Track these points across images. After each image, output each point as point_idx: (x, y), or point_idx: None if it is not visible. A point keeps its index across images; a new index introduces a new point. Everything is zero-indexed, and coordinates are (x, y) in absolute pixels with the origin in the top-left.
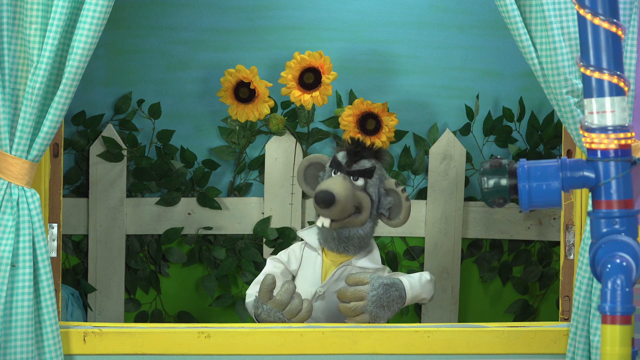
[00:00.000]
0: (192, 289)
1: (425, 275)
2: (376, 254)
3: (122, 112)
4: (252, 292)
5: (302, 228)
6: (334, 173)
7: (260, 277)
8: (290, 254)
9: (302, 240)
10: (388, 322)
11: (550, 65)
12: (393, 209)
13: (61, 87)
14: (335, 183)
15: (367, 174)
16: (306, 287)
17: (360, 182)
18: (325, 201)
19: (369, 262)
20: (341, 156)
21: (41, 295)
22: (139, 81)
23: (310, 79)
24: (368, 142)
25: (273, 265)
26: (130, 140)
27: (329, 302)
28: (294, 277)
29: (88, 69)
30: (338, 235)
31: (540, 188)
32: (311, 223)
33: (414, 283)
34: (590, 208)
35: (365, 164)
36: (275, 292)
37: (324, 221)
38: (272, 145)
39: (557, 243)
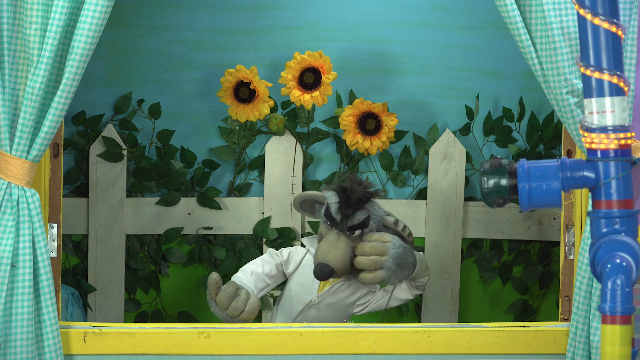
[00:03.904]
0: (192, 289)
1: (423, 257)
2: None
3: (122, 112)
4: (239, 275)
5: (302, 228)
6: (329, 226)
7: (250, 265)
8: (291, 256)
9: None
10: (382, 323)
11: (550, 65)
12: None
13: (61, 87)
14: (330, 251)
15: (363, 225)
16: (301, 293)
17: (358, 232)
18: (325, 274)
19: None
20: (334, 208)
21: (41, 295)
22: (139, 81)
23: (310, 79)
24: (355, 192)
25: (272, 257)
26: (130, 140)
27: (324, 313)
28: (286, 280)
29: (88, 69)
30: None
31: (540, 188)
32: (310, 224)
33: (421, 257)
34: (590, 208)
35: (359, 216)
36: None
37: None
38: (272, 145)
39: (557, 243)
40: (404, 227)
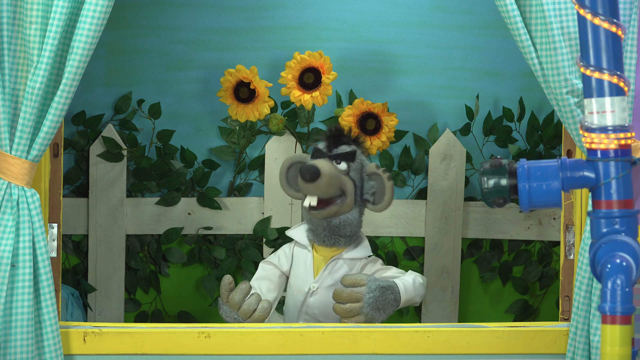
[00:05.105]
0: (192, 289)
1: (418, 279)
2: (365, 244)
3: (122, 112)
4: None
5: None
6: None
7: (253, 281)
8: (281, 255)
9: (291, 240)
10: (383, 323)
11: (550, 65)
12: (377, 193)
13: (61, 87)
14: (318, 162)
15: (349, 157)
16: (299, 284)
17: (343, 165)
18: (312, 173)
19: (359, 253)
20: (322, 146)
21: (41, 295)
22: (139, 81)
23: (310, 79)
24: (346, 129)
25: (263, 269)
26: (130, 140)
27: (324, 297)
28: (287, 278)
29: (88, 69)
30: (328, 225)
31: (540, 188)
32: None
33: (409, 286)
34: (590, 208)
35: (346, 148)
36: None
37: (310, 200)
38: (272, 145)
39: (557, 243)
40: (385, 169)
